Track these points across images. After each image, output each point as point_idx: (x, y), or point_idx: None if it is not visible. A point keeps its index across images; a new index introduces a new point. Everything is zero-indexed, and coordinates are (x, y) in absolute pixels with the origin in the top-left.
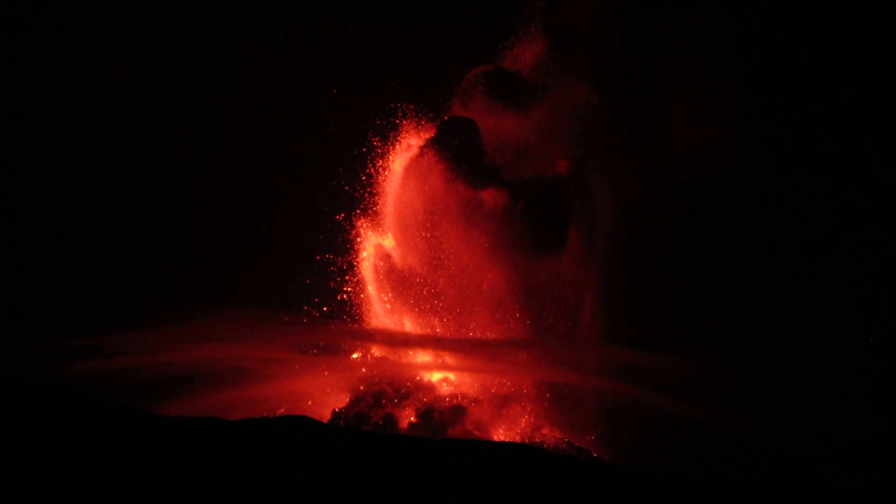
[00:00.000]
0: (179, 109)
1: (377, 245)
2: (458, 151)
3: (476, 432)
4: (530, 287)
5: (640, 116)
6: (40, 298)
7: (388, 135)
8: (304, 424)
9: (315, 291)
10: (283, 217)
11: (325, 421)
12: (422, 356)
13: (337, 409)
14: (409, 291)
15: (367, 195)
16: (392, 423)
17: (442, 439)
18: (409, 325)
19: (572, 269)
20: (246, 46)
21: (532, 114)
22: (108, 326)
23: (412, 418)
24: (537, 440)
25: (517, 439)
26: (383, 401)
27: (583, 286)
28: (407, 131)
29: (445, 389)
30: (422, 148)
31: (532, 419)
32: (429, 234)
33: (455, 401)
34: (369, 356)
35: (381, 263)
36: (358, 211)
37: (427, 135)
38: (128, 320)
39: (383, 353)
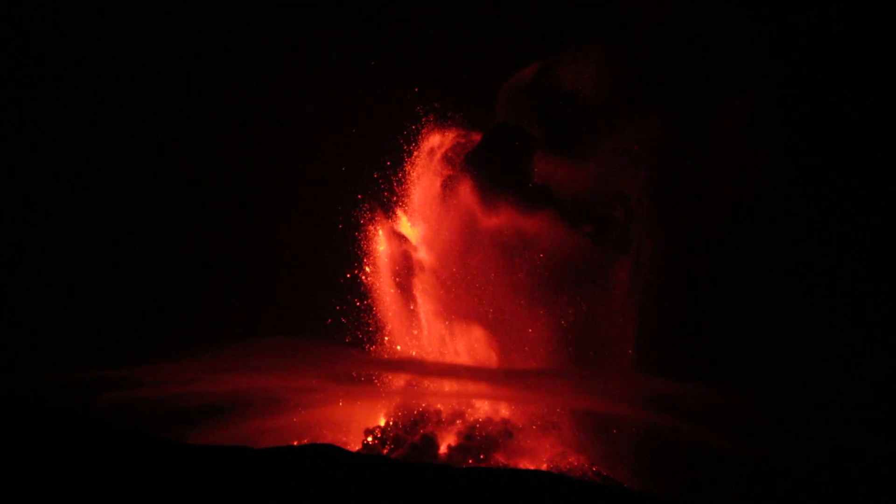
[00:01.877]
0: (208, 137)
1: (411, 269)
2: (503, 173)
3: (503, 460)
4: (570, 316)
5: (692, 153)
6: (76, 329)
7: (414, 143)
8: (327, 453)
9: (347, 319)
10: (319, 244)
11: (359, 443)
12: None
13: (372, 428)
14: (444, 319)
15: (396, 214)
16: (431, 443)
17: (463, 468)
18: (443, 352)
19: (614, 298)
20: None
21: (588, 141)
22: (143, 357)
23: (451, 442)
24: (564, 468)
25: (544, 467)
26: (422, 422)
27: (623, 316)
28: (435, 137)
29: (486, 414)
30: (461, 164)
31: (561, 447)
32: (467, 268)
33: (497, 427)
34: (399, 384)
35: (416, 287)
36: (392, 236)
37: (453, 139)
38: (163, 351)
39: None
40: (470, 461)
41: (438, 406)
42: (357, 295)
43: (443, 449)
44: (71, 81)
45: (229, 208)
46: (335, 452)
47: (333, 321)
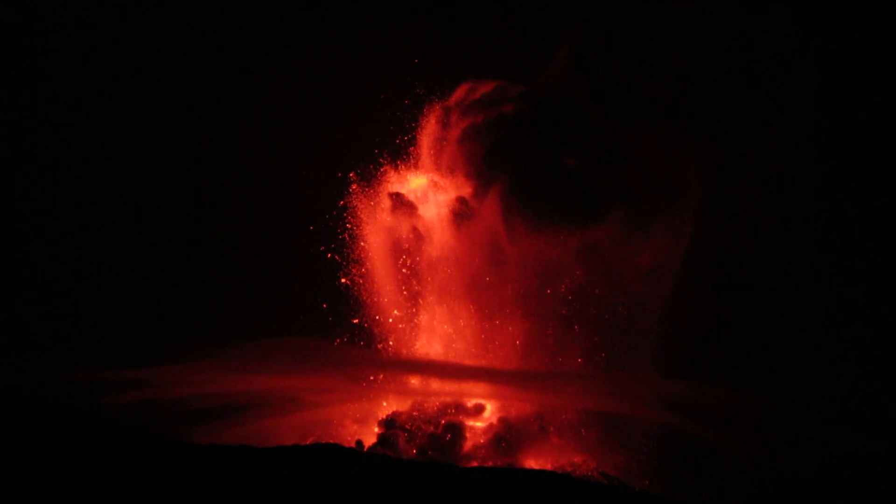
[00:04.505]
0: (218, 134)
1: (418, 248)
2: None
3: (506, 459)
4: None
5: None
6: (92, 330)
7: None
8: (330, 452)
9: (350, 314)
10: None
11: (374, 436)
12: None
13: (389, 416)
14: (457, 317)
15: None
16: (458, 433)
17: (466, 467)
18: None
19: (644, 302)
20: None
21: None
22: (158, 358)
23: (478, 434)
24: (569, 469)
25: (548, 467)
26: (445, 413)
27: (645, 314)
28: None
29: (517, 410)
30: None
31: (567, 446)
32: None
33: (529, 423)
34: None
35: (424, 274)
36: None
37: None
38: (178, 353)
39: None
40: (500, 460)
41: (466, 401)
42: (359, 284)
43: (468, 442)
44: (74, 80)
45: (246, 207)
46: (338, 451)
47: (340, 318)
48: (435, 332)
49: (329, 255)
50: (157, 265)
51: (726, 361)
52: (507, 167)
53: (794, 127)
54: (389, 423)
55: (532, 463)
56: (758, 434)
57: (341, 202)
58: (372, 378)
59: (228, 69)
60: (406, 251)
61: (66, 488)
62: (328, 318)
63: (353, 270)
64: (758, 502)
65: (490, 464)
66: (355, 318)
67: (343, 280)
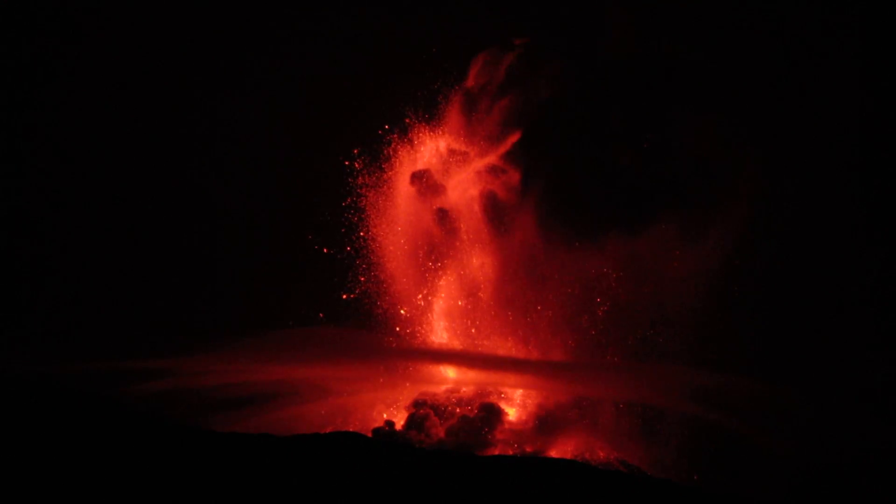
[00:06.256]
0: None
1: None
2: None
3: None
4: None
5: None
6: (118, 320)
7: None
8: (347, 440)
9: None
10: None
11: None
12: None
13: (420, 401)
14: (488, 309)
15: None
16: (495, 414)
17: (482, 456)
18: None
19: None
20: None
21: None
22: (183, 348)
23: (513, 416)
24: (589, 457)
25: (568, 456)
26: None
27: (679, 305)
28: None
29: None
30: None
31: (593, 436)
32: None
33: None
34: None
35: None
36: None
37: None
38: (203, 343)
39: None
40: (529, 447)
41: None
42: (388, 273)
43: (500, 426)
44: (83, 77)
45: (271, 192)
46: (355, 440)
47: (368, 307)
48: (466, 323)
49: (335, 252)
50: (181, 255)
51: (758, 353)
52: (542, 168)
53: (845, 122)
54: (420, 405)
55: (554, 452)
56: (788, 427)
57: (348, 199)
58: (401, 367)
59: (230, 69)
60: (433, 238)
61: (90, 476)
62: (357, 306)
63: (382, 260)
64: (787, 496)
65: (511, 452)
66: (383, 307)
67: (373, 269)
